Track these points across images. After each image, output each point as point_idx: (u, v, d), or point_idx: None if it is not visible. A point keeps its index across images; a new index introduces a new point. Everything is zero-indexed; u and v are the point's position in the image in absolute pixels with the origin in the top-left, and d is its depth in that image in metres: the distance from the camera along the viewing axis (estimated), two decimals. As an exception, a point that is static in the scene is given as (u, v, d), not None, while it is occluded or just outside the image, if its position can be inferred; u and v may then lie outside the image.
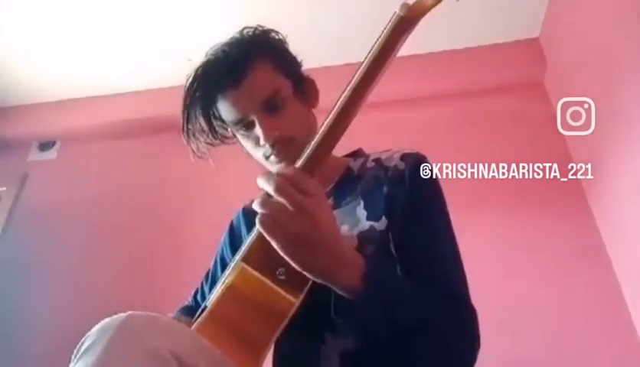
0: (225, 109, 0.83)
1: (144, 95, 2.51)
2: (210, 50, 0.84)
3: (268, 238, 0.56)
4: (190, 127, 0.85)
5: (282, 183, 0.55)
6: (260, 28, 0.87)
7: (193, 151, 0.88)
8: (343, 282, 0.60)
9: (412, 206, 0.79)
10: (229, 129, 0.88)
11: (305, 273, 0.59)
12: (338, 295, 0.62)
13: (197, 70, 0.83)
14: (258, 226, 0.56)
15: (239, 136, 0.87)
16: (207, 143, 0.88)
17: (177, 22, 2.22)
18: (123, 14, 2.17)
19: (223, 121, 0.86)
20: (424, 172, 0.84)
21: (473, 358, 0.69)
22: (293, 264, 0.57)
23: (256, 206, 0.56)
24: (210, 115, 0.86)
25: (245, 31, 0.86)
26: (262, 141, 0.80)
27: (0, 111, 2.64)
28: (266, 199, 0.56)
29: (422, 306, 0.67)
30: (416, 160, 0.85)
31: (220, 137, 0.89)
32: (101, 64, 2.42)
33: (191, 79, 0.83)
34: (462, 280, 0.76)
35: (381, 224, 0.77)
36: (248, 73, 0.80)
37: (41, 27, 2.21)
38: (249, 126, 0.83)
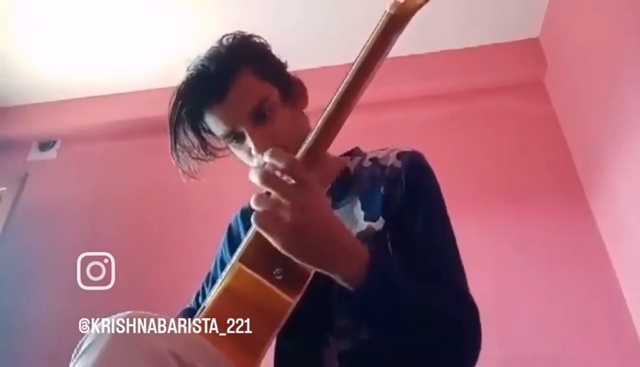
0: (213, 124, 0.82)
1: (144, 95, 2.50)
2: (191, 64, 0.82)
3: (264, 234, 0.54)
4: (179, 146, 0.83)
5: (267, 173, 0.53)
6: (240, 35, 0.85)
7: (183, 171, 0.86)
8: (344, 273, 0.59)
9: (409, 203, 0.79)
10: (221, 140, 0.87)
11: (305, 265, 0.57)
12: (341, 286, 0.60)
13: (179, 87, 0.81)
14: (253, 224, 0.54)
15: (231, 147, 0.86)
16: (199, 159, 0.86)
17: (176, 22, 2.21)
18: (123, 14, 2.17)
19: (213, 133, 0.85)
20: (420, 169, 0.84)
21: (476, 349, 0.69)
22: (293, 258, 0.55)
23: (252, 204, 0.54)
24: (200, 128, 0.84)
25: (224, 40, 0.83)
26: (253, 152, 0.79)
27: (0, 111, 2.64)
28: (260, 195, 0.54)
29: (425, 297, 0.66)
30: (412, 157, 0.85)
31: (211, 151, 0.88)
32: (101, 64, 2.42)
33: (174, 98, 0.81)
34: (461, 274, 0.77)
35: (379, 224, 0.77)
36: (231, 86, 0.78)
37: (41, 27, 2.21)
38: (239, 138, 0.81)
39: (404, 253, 0.74)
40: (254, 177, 0.54)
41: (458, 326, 0.68)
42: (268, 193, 0.55)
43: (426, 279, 0.70)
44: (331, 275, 0.59)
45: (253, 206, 0.54)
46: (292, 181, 0.54)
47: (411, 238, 0.76)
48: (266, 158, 0.54)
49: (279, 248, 0.54)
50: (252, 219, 0.54)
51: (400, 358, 0.69)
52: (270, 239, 0.54)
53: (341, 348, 0.74)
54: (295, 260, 0.56)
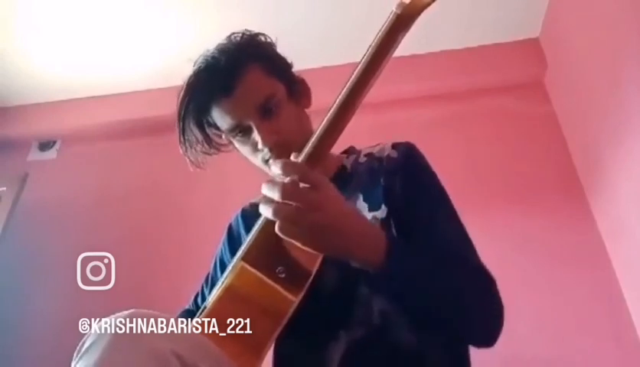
0: (220, 117, 0.83)
1: (144, 95, 2.51)
2: (199, 58, 0.84)
3: (290, 240, 0.57)
4: (186, 137, 0.86)
5: (286, 189, 0.55)
6: (248, 33, 0.87)
7: (191, 161, 0.88)
8: (368, 258, 0.62)
9: (410, 190, 0.81)
10: (223, 136, 0.89)
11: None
12: (362, 271, 0.63)
13: (188, 80, 0.83)
14: (278, 233, 0.56)
15: (235, 142, 0.87)
16: (204, 152, 0.88)
17: (176, 22, 2.22)
18: (123, 14, 2.17)
19: (218, 128, 0.86)
20: (417, 158, 0.87)
21: (501, 323, 0.71)
22: (321, 254, 0.61)
23: (268, 215, 0.56)
24: (204, 124, 0.86)
25: (233, 37, 0.86)
26: (260, 146, 0.81)
27: (0, 111, 2.64)
28: (277, 205, 0.55)
29: (445, 276, 0.68)
30: (407, 147, 0.88)
31: (215, 146, 0.90)
32: (101, 64, 2.42)
33: (183, 91, 0.83)
34: (472, 251, 0.78)
35: (382, 212, 0.79)
36: (240, 80, 0.80)
37: (41, 27, 2.21)
38: (245, 132, 0.83)
39: (411, 237, 0.76)
40: (270, 192, 0.55)
41: (481, 297, 0.70)
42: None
43: (440, 261, 0.71)
44: (356, 262, 0.62)
45: (272, 218, 0.55)
46: (306, 185, 0.56)
47: (416, 227, 0.77)
48: (278, 171, 0.56)
49: (307, 249, 0.57)
50: (277, 231, 0.56)
51: (415, 340, 0.72)
52: (298, 244, 0.57)
53: (352, 337, 0.74)
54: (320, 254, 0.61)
